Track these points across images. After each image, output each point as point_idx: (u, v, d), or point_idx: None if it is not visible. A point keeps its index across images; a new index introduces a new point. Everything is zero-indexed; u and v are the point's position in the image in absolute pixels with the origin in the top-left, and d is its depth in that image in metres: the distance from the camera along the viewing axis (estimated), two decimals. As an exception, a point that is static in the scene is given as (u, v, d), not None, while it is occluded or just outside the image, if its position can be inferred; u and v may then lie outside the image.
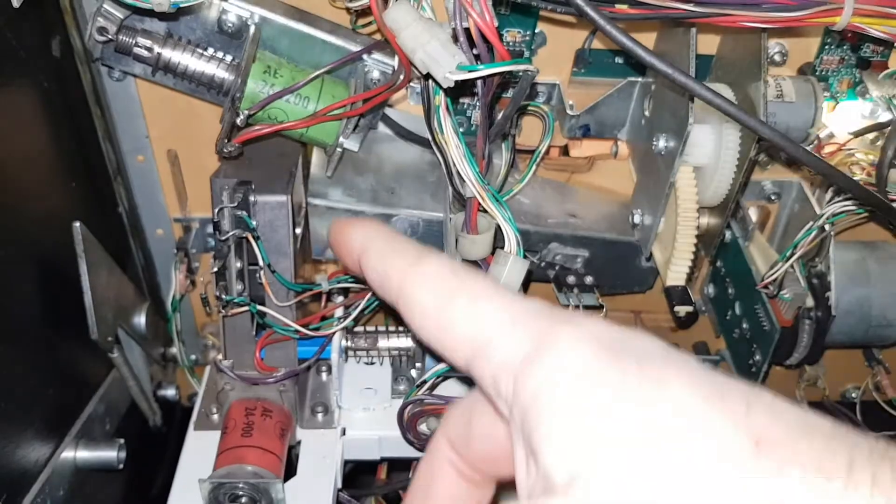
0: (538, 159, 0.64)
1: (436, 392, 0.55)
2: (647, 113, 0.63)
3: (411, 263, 0.33)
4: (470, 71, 0.40)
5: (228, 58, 0.57)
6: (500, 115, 0.49)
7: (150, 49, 0.54)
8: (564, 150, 0.72)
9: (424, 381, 0.53)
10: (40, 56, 0.57)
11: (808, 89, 0.61)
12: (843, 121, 0.66)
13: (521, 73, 0.43)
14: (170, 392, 0.81)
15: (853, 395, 0.91)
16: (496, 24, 0.41)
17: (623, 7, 0.45)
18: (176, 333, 0.73)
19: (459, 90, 0.42)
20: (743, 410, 0.23)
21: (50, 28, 0.58)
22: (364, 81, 0.58)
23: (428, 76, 0.43)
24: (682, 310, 0.60)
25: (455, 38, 0.42)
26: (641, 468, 0.23)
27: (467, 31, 0.41)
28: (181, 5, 0.43)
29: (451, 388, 0.56)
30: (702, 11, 0.45)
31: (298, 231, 0.62)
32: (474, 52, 0.42)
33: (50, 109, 0.60)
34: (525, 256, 0.52)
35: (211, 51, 0.56)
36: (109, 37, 0.53)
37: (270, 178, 0.60)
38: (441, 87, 0.42)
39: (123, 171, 0.70)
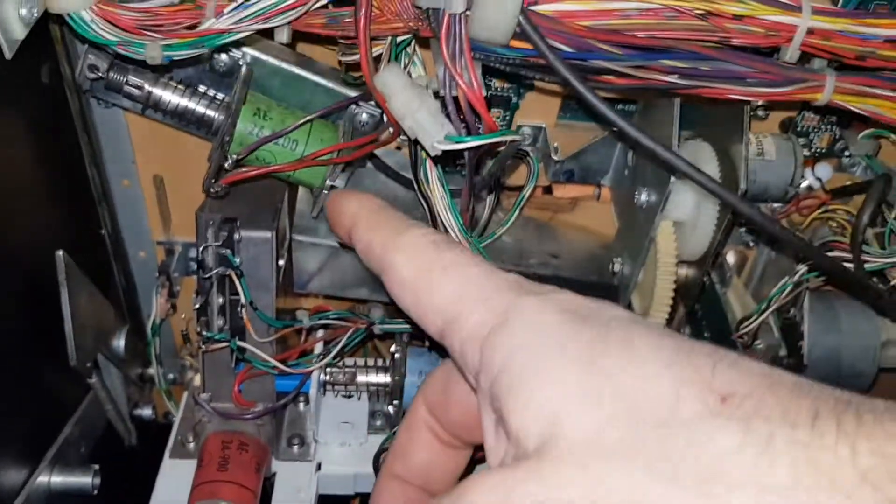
0: (522, 203, 0.64)
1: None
2: (630, 164, 0.63)
3: (394, 234, 0.33)
4: (457, 142, 0.41)
5: (219, 96, 0.57)
6: (485, 171, 0.49)
7: (140, 87, 0.54)
8: (548, 189, 0.72)
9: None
10: (29, 83, 0.57)
11: (788, 147, 0.62)
12: (822, 176, 0.67)
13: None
14: (146, 412, 0.81)
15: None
16: (485, 94, 0.41)
17: (609, 77, 0.46)
18: (155, 357, 0.74)
19: (447, 151, 0.43)
20: (709, 369, 0.23)
21: (39, 55, 0.58)
22: (352, 123, 0.58)
23: (416, 141, 0.43)
24: (657, 361, 0.61)
25: (444, 106, 0.42)
26: (611, 429, 0.23)
27: (456, 99, 0.42)
28: (175, 59, 0.43)
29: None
30: (687, 84, 0.46)
31: (281, 263, 0.63)
32: (462, 118, 0.43)
33: (37, 135, 0.60)
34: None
35: (202, 89, 0.57)
36: (100, 74, 0.53)
37: (255, 212, 0.60)
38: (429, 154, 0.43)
39: (108, 195, 0.70)
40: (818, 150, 0.68)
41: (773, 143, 0.62)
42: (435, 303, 0.30)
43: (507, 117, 0.65)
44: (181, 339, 0.81)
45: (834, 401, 0.22)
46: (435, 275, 0.31)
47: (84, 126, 0.64)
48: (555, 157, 0.66)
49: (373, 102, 0.55)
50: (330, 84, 0.58)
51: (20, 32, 0.42)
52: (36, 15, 0.42)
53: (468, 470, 0.37)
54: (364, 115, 0.59)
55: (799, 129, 0.66)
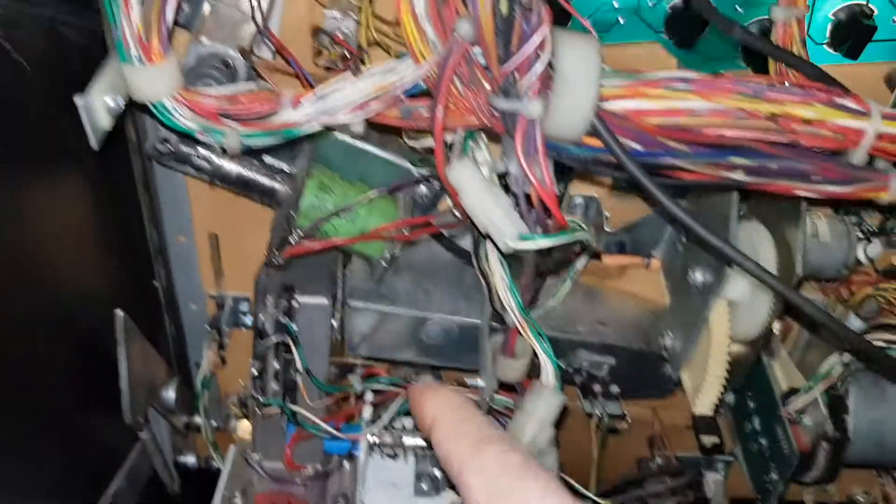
0: (574, 276, 0.65)
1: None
2: (683, 240, 0.64)
3: (470, 452, 0.35)
4: (530, 241, 0.41)
5: (283, 167, 0.58)
6: (549, 260, 0.50)
7: (208, 160, 0.55)
8: (596, 255, 0.73)
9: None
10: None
11: (842, 230, 0.62)
12: (872, 254, 0.67)
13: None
14: (190, 459, 0.82)
15: (860, 498, 0.91)
16: (556, 192, 0.42)
17: (677, 173, 0.46)
18: (203, 410, 0.74)
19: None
20: None
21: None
22: (412, 195, 0.59)
23: (487, 235, 0.44)
24: (709, 440, 0.61)
25: (516, 202, 0.43)
26: None
27: (528, 196, 0.42)
28: (251, 147, 0.45)
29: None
30: (753, 180, 0.47)
31: (335, 323, 0.63)
32: (532, 214, 0.43)
33: (99, 197, 0.61)
34: (562, 389, 0.53)
35: (268, 158, 0.58)
36: (170, 147, 0.54)
37: (312, 278, 0.61)
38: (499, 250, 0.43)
39: (164, 251, 0.71)
40: (869, 228, 0.68)
41: (828, 225, 0.62)
42: None
43: (562, 188, 0.66)
44: (227, 385, 0.82)
45: None
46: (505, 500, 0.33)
47: (145, 186, 0.65)
48: (607, 229, 0.67)
49: (437, 183, 0.56)
50: (389, 157, 0.59)
51: (107, 122, 0.43)
52: (122, 104, 0.43)
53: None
54: (423, 188, 0.60)
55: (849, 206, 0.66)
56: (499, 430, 0.38)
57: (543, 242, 0.41)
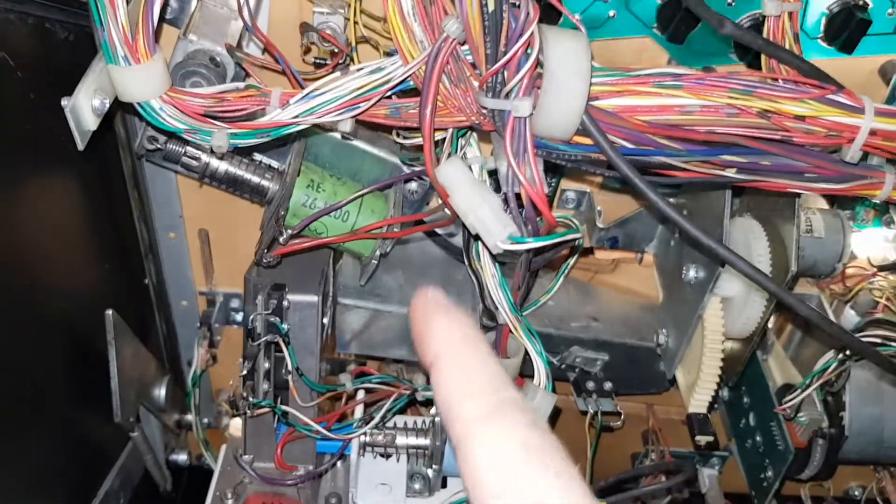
0: (566, 271, 0.65)
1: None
2: (677, 235, 0.63)
3: (480, 416, 0.30)
4: (520, 243, 0.41)
5: (273, 164, 0.57)
6: (539, 257, 0.50)
7: (197, 158, 0.54)
8: (589, 250, 0.72)
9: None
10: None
11: (836, 225, 0.62)
12: (868, 247, 0.67)
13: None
14: (181, 457, 0.81)
15: (856, 493, 0.91)
16: (546, 191, 0.41)
17: (669, 171, 0.46)
18: (194, 407, 0.74)
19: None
20: None
21: (95, 117, 0.59)
22: (402, 192, 0.59)
23: (477, 236, 0.43)
24: (703, 439, 0.61)
25: (505, 202, 0.42)
26: None
27: (518, 196, 0.42)
28: (239, 146, 0.44)
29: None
30: (745, 178, 0.46)
31: (326, 321, 0.63)
32: (522, 212, 0.43)
33: (89, 195, 0.61)
34: (553, 390, 0.52)
35: (257, 157, 0.57)
36: (159, 145, 0.53)
37: (302, 276, 0.60)
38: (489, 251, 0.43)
39: (155, 248, 0.70)
40: (864, 221, 0.67)
41: (822, 220, 0.62)
42: None
43: (554, 182, 0.65)
44: (218, 382, 0.82)
45: None
46: (524, 498, 0.28)
47: (135, 184, 0.65)
48: (599, 224, 0.66)
49: (427, 179, 0.55)
50: (379, 153, 0.58)
51: (92, 123, 0.43)
52: (107, 105, 0.43)
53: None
54: (413, 185, 0.59)
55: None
56: (513, 386, 0.32)
57: (533, 245, 0.41)
